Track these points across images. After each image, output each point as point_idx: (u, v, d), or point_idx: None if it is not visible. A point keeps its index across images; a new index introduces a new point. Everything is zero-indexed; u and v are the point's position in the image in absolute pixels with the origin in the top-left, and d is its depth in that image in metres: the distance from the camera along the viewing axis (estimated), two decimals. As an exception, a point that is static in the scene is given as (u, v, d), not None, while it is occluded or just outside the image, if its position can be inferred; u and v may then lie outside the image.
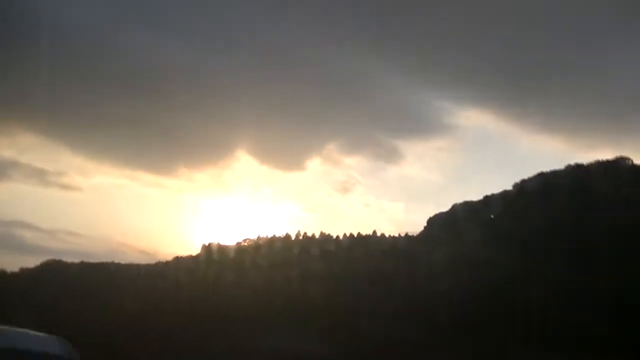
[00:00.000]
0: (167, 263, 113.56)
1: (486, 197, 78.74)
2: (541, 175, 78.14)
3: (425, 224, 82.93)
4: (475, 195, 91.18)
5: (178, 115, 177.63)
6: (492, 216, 78.24)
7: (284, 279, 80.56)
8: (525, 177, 79.10)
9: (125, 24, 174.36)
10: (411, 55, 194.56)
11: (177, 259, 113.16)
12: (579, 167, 77.40)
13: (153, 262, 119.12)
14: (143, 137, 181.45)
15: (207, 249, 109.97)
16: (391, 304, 64.31)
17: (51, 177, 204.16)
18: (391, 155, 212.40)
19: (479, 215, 78.47)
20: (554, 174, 78.56)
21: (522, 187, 78.35)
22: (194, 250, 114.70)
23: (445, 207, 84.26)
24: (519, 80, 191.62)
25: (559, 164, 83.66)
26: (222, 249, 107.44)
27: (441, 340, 55.69)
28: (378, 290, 68.90)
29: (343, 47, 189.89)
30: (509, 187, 79.46)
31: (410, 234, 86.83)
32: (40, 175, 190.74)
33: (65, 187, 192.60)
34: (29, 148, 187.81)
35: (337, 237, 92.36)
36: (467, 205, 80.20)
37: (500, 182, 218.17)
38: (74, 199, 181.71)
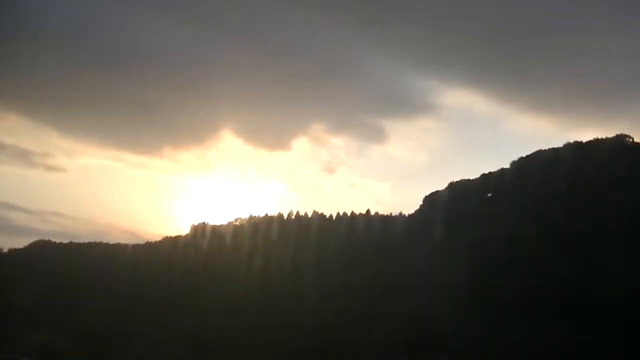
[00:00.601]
0: (157, 242, 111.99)
1: (483, 175, 77.42)
2: (540, 152, 76.88)
3: (422, 202, 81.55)
4: (461, 175, 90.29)
5: (163, 95, 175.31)
6: (489, 194, 76.99)
7: (281, 257, 79.34)
8: (511, 156, 78.28)
9: (112, 6, 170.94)
10: (397, 35, 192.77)
11: (167, 239, 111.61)
12: (578, 145, 76.16)
13: (141, 242, 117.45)
14: (128, 118, 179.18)
15: (197, 228, 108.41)
16: (390, 279, 63.18)
17: (36, 158, 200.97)
18: (377, 135, 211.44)
19: (476, 193, 77.24)
20: (554, 151, 77.29)
21: (520, 165, 77.01)
22: (181, 230, 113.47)
23: (430, 187, 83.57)
24: (505, 61, 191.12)
25: (545, 144, 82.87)
26: (213, 228, 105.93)
27: (453, 314, 55.01)
28: (378, 267, 67.85)
29: (329, 28, 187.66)
30: (496, 167, 78.36)
31: (403, 213, 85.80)
32: (25, 156, 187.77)
33: (50, 168, 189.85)
34: (13, 129, 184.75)
35: (331, 215, 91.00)
36: (465, 183, 78.86)
37: (486, 162, 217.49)
38: (59, 180, 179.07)
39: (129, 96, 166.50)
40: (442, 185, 79.40)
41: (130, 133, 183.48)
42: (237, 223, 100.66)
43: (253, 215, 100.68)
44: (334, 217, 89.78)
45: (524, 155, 76.11)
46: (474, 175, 78.73)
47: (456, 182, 79.34)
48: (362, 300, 65.09)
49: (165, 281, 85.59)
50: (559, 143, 78.04)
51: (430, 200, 79.25)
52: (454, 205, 75.10)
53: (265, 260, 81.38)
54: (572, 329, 48.22)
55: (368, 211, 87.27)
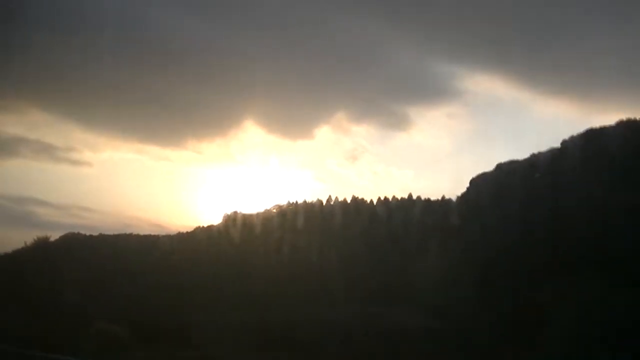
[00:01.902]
0: (190, 232, 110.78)
1: (533, 155, 75.37)
2: (590, 132, 74.57)
3: (468, 185, 79.83)
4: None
5: (184, 87, 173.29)
6: (537, 175, 74.88)
7: (321, 244, 77.74)
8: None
9: None
10: (420, 20, 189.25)
11: (200, 229, 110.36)
12: (629, 123, 73.77)
13: (168, 234, 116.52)
14: (150, 111, 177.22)
15: (230, 217, 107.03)
16: (447, 264, 61.38)
17: (60, 152, 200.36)
18: (400, 123, 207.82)
19: (524, 175, 75.18)
20: (602, 131, 75.00)
21: (569, 145, 74.82)
22: (208, 220, 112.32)
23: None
24: (529, 45, 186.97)
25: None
26: (245, 217, 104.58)
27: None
28: (429, 252, 66.10)
29: (351, 14, 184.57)
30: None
31: (446, 197, 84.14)
32: (49, 151, 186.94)
33: (75, 162, 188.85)
34: (37, 124, 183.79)
35: (372, 200, 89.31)
36: (513, 165, 76.87)
37: (512, 147, 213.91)
38: (84, 174, 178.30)
39: (151, 89, 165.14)
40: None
41: (153, 125, 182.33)
42: (274, 210, 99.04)
43: (291, 202, 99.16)
44: (374, 202, 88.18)
45: (575, 134, 74.16)
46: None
47: (503, 162, 77.56)
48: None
49: (203, 271, 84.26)
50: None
51: (476, 182, 77.64)
52: (500, 186, 73.41)
53: (302, 249, 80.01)
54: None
55: (410, 195, 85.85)
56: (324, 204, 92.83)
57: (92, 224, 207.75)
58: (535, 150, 76.65)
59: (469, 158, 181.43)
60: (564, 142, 74.43)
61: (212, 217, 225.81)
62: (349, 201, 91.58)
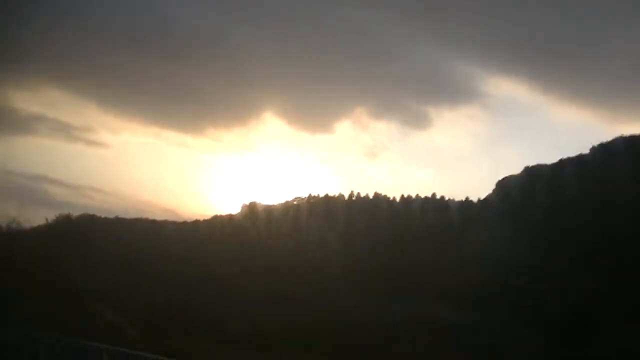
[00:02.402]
0: (207, 220, 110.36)
1: (561, 161, 74.53)
2: (621, 138, 73.64)
3: (494, 187, 79.04)
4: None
5: (206, 75, 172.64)
6: (567, 180, 74.10)
7: (343, 237, 77.21)
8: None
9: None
10: (442, 20, 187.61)
11: (217, 217, 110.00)
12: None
13: (179, 220, 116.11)
14: (171, 96, 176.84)
15: (250, 207, 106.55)
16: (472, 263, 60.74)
17: (77, 132, 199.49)
18: (420, 121, 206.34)
19: (551, 179, 74.39)
20: (634, 138, 74.00)
21: (599, 151, 73.89)
22: (224, 209, 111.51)
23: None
24: (550, 49, 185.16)
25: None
26: (264, 208, 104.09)
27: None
28: (450, 250, 65.50)
29: (374, 11, 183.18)
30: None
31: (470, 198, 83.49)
32: (66, 130, 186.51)
33: (91, 143, 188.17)
34: (55, 103, 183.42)
35: (394, 197, 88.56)
36: (539, 169, 76.04)
37: (531, 151, 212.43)
38: (100, 155, 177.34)
39: (172, 75, 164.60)
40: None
41: (173, 111, 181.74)
42: (295, 202, 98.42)
43: (312, 195, 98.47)
44: (397, 200, 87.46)
45: (604, 141, 73.25)
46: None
47: (531, 166, 76.73)
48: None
49: (220, 261, 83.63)
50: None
51: (503, 184, 76.81)
52: (527, 189, 72.75)
53: (324, 241, 79.59)
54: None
55: (434, 194, 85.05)
56: (346, 198, 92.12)
57: (104, 205, 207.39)
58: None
59: (488, 160, 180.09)
60: (592, 149, 73.61)
61: (227, 206, 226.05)
62: (371, 197, 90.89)
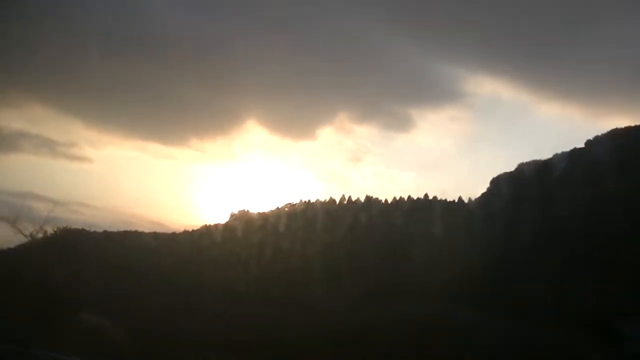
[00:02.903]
0: (196, 231, 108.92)
1: (555, 155, 74.50)
2: (613, 132, 73.74)
3: (489, 184, 78.76)
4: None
5: (188, 86, 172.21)
6: (558, 174, 74.02)
7: (337, 241, 76.41)
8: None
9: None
10: (423, 21, 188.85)
11: (206, 227, 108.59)
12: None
13: (168, 232, 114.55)
14: (154, 109, 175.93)
15: (237, 216, 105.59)
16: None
17: (61, 148, 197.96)
18: (403, 124, 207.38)
19: (545, 174, 74.28)
20: (625, 131, 74.19)
21: (591, 145, 73.96)
22: (211, 219, 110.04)
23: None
24: (533, 48, 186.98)
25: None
26: (251, 216, 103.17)
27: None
28: (450, 249, 64.94)
29: (354, 15, 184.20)
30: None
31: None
32: (50, 146, 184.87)
33: (75, 158, 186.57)
34: (38, 119, 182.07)
35: (386, 200, 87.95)
36: (534, 164, 75.89)
37: (515, 150, 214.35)
38: (84, 170, 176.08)
39: (154, 87, 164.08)
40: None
41: (156, 123, 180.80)
42: (286, 209, 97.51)
43: (303, 201, 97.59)
44: (389, 201, 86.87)
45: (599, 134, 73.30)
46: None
47: (525, 162, 76.55)
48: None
49: (212, 270, 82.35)
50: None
51: (497, 181, 76.49)
52: (521, 185, 72.48)
53: (308, 248, 78.75)
54: None
55: (426, 195, 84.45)
56: (337, 202, 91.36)
57: (91, 220, 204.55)
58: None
59: (473, 160, 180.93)
60: (587, 142, 73.52)
61: (215, 216, 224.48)
62: (362, 200, 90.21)
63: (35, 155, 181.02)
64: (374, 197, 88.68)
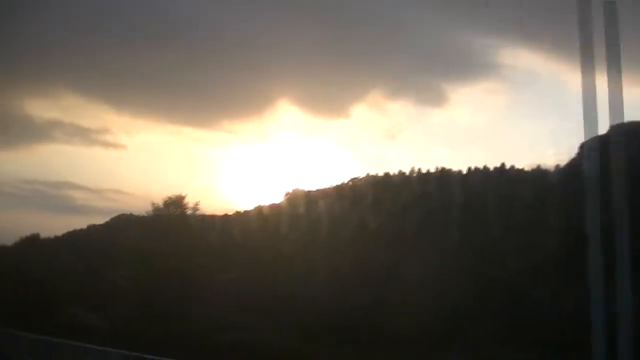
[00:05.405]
0: (250, 211, 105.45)
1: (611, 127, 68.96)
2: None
3: (578, 150, 73.47)
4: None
5: (219, 68, 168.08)
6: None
7: (414, 218, 72.06)
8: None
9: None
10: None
11: (260, 208, 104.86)
12: None
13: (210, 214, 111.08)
14: (184, 92, 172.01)
15: (292, 195, 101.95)
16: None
17: (94, 135, 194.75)
18: (436, 99, 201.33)
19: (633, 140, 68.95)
20: None
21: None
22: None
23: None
24: (570, 18, 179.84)
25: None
26: (308, 194, 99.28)
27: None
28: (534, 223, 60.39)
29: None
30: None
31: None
32: (83, 134, 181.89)
33: (109, 145, 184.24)
34: (71, 108, 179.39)
35: (460, 171, 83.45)
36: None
37: (553, 124, 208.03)
38: (118, 156, 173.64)
39: (184, 70, 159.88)
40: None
41: (187, 107, 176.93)
42: (350, 184, 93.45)
43: (370, 174, 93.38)
44: (464, 172, 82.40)
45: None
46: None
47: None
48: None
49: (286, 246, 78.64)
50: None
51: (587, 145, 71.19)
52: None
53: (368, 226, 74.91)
54: None
55: (503, 165, 79.85)
56: (407, 174, 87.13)
57: (127, 207, 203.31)
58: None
59: (508, 135, 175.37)
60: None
61: (255, 198, 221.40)
62: (432, 171, 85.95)
63: (69, 144, 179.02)
64: (447, 167, 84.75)
